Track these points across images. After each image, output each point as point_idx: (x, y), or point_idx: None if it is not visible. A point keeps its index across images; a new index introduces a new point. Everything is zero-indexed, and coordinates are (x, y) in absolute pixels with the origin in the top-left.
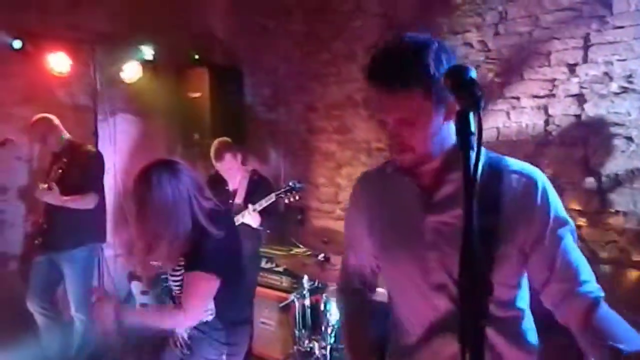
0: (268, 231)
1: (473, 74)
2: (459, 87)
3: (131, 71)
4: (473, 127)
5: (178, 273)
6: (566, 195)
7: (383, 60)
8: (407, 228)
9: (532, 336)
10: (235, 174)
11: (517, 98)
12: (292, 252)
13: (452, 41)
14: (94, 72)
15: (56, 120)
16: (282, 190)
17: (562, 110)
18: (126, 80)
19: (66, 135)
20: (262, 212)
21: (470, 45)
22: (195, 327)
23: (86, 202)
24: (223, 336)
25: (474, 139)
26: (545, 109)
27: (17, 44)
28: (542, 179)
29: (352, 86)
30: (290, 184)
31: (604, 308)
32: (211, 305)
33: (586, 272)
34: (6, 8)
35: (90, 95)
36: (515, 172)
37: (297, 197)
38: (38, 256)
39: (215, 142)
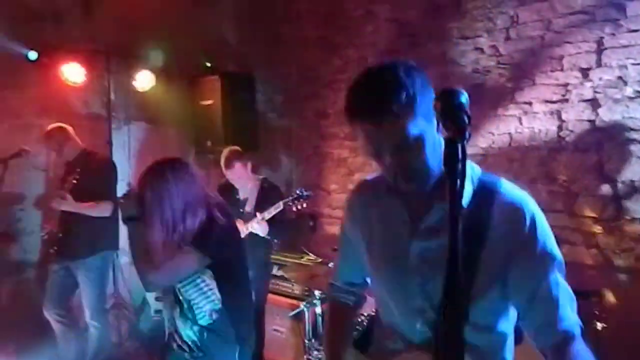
0: (276, 240)
1: (464, 98)
2: (446, 113)
3: (144, 80)
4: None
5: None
6: (580, 202)
7: (359, 96)
8: (393, 251)
9: (509, 356)
10: (245, 182)
11: (530, 103)
12: (302, 260)
13: (463, 46)
14: (108, 82)
15: (71, 130)
16: (290, 198)
17: (576, 116)
18: (139, 88)
19: (80, 144)
20: (270, 221)
21: (482, 50)
22: (206, 327)
23: (102, 210)
24: (233, 333)
25: (460, 168)
26: (558, 114)
27: (32, 55)
28: (532, 211)
29: None
30: (298, 191)
31: (577, 347)
32: (218, 295)
33: (566, 308)
34: (22, 20)
35: (104, 105)
36: (505, 202)
37: (304, 205)
38: (54, 264)
39: (225, 151)
